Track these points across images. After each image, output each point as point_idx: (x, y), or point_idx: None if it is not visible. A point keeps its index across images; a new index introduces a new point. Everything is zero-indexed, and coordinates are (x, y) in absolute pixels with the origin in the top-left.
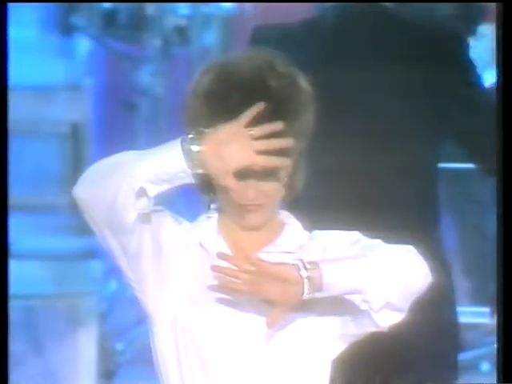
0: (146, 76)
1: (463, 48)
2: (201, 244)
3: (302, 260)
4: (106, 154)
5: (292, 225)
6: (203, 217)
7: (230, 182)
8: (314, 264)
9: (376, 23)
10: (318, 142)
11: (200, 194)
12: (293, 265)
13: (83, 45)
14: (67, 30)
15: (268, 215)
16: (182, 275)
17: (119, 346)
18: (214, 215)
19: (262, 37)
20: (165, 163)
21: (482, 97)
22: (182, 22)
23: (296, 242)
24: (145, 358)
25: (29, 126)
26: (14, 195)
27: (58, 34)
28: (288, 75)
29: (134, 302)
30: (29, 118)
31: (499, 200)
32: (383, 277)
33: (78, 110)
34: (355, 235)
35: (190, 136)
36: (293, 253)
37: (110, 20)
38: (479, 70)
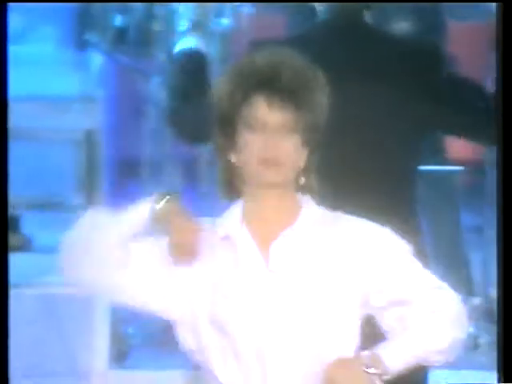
0: (153, 87)
1: (442, 59)
2: (227, 236)
3: (367, 365)
4: (117, 158)
5: (307, 208)
6: (226, 213)
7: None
8: (378, 361)
9: (360, 38)
10: None
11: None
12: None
13: (96, 59)
14: (82, 45)
15: (286, 175)
16: (208, 273)
17: (130, 330)
18: (238, 207)
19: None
20: (135, 226)
21: (468, 99)
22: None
23: (312, 224)
24: (153, 341)
25: (47, 134)
26: (34, 196)
27: (73, 50)
28: (304, 68)
29: None
30: (47, 126)
31: (499, 200)
32: (442, 345)
33: (92, 118)
34: (387, 233)
35: (154, 198)
36: (310, 235)
37: (120, 36)
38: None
